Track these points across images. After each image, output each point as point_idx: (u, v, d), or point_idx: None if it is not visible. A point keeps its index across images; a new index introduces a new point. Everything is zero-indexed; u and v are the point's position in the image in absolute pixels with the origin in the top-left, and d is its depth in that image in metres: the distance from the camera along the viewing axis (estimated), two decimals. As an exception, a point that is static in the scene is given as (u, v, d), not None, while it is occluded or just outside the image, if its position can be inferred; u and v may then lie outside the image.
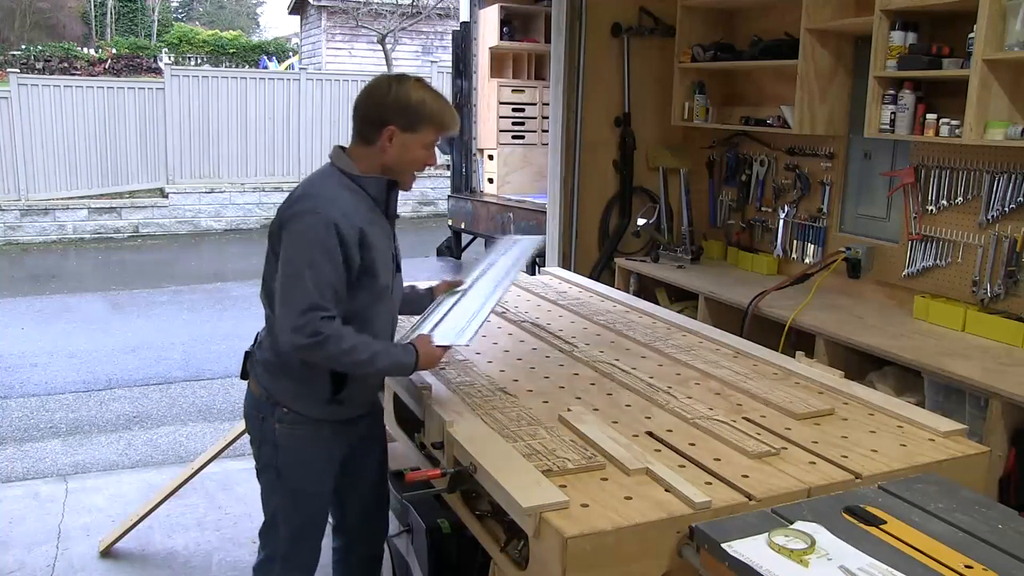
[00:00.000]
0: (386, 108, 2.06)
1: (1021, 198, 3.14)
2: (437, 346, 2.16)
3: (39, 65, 18.23)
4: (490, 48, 7.96)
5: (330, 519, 2.43)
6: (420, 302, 2.49)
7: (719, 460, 1.90)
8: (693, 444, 2.00)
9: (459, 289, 2.48)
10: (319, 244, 1.98)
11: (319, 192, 2.07)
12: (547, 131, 6.38)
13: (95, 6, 24.04)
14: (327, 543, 2.47)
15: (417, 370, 2.14)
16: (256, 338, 2.25)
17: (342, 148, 2.16)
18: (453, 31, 8.98)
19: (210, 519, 3.64)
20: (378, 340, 2.10)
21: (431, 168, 2.28)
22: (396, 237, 2.23)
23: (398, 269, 2.24)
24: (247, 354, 2.24)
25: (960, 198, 3.37)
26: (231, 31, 23.53)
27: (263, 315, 2.20)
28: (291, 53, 22.60)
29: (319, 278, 1.98)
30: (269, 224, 2.16)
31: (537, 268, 5.68)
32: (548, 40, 5.67)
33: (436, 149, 2.21)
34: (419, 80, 2.12)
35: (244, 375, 2.24)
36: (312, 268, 1.98)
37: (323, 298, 1.98)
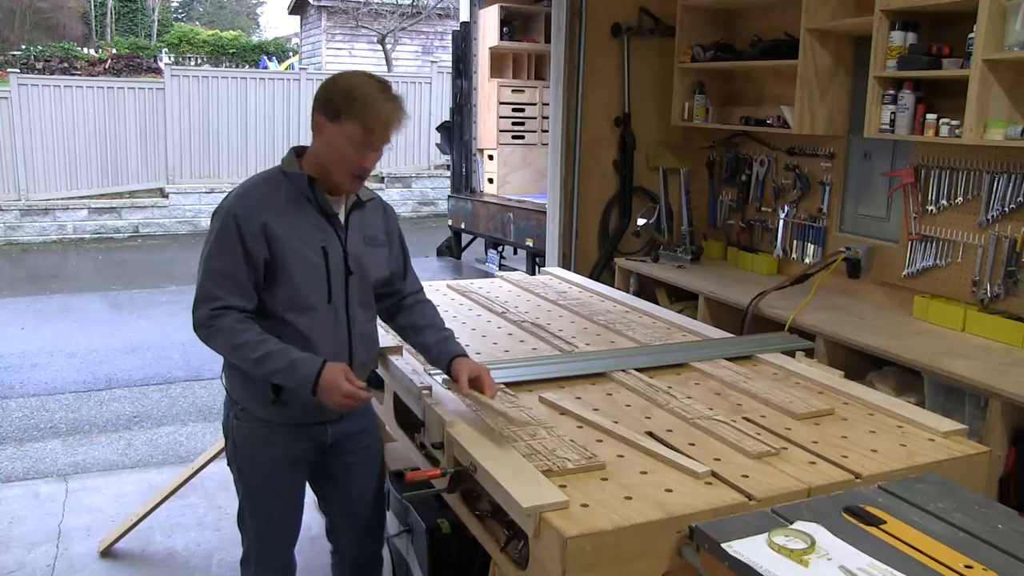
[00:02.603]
0: (320, 96, 2.00)
1: (1021, 198, 3.14)
2: (352, 385, 1.98)
3: (39, 65, 18.22)
4: (490, 48, 7.97)
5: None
6: (436, 359, 2.25)
7: (719, 460, 1.90)
8: (693, 444, 2.00)
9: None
10: (217, 236, 2.00)
11: (239, 187, 2.08)
12: (547, 131, 6.39)
13: (95, 6, 24.03)
14: (326, 545, 2.47)
15: (318, 394, 1.97)
16: None
17: (298, 150, 2.12)
18: (453, 31, 8.98)
19: (210, 519, 3.64)
20: (282, 344, 1.98)
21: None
22: (346, 237, 2.10)
23: (350, 272, 2.11)
24: None
25: (960, 198, 3.37)
26: (231, 31, 23.51)
27: None
28: (291, 53, 22.59)
29: (215, 269, 1.99)
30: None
31: (537, 268, 5.69)
32: (548, 40, 5.67)
33: (378, 151, 2.02)
34: (367, 75, 2.01)
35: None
36: (209, 259, 2.00)
37: (219, 288, 1.98)
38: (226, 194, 2.09)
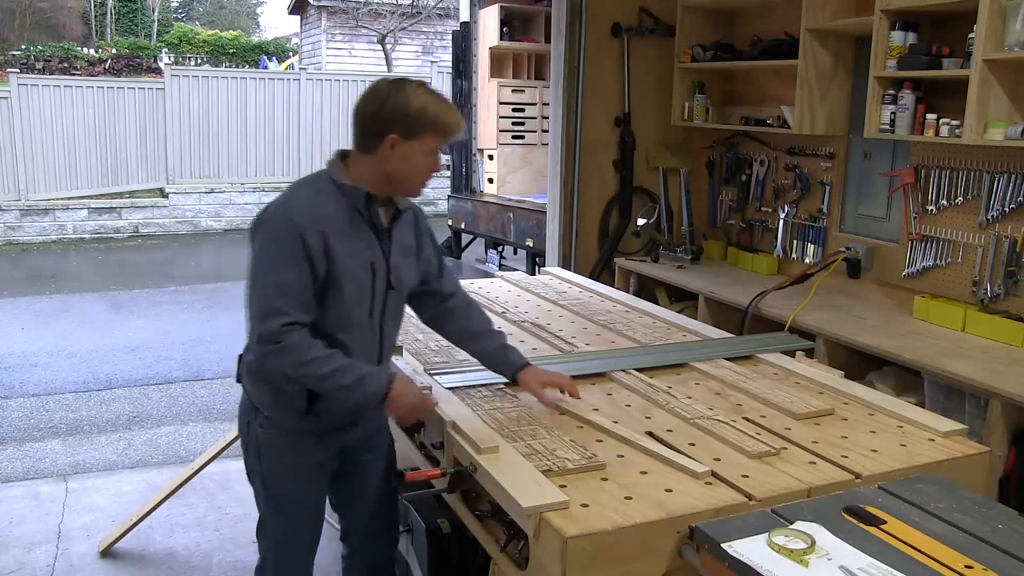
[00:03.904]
0: (385, 116, 1.96)
1: (1021, 198, 3.14)
2: (422, 397, 2.05)
3: (39, 65, 18.21)
4: (490, 48, 7.96)
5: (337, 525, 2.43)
6: (499, 369, 2.30)
7: (719, 460, 1.90)
8: (693, 444, 2.00)
9: None
10: (281, 248, 1.92)
11: (292, 195, 2.01)
12: (547, 131, 6.39)
13: (95, 6, 24.03)
14: (338, 550, 2.47)
15: (387, 408, 2.02)
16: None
17: (343, 154, 2.07)
18: (453, 31, 8.98)
19: (210, 519, 3.64)
20: (347, 358, 1.98)
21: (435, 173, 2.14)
22: (389, 251, 2.09)
23: (390, 287, 2.10)
24: (240, 356, 2.20)
25: (960, 198, 3.37)
26: (231, 31, 23.50)
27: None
28: (291, 53, 22.59)
29: (280, 282, 1.92)
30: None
31: (537, 268, 5.69)
32: (548, 40, 5.67)
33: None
34: (420, 84, 2.02)
35: (239, 378, 2.20)
36: (273, 272, 1.93)
37: (286, 303, 1.92)
38: (272, 204, 2.01)
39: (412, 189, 2.07)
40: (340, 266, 1.97)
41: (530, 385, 2.20)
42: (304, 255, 1.92)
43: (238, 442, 3.57)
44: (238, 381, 2.21)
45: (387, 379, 2.00)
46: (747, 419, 2.16)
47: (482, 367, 2.46)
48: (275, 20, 38.97)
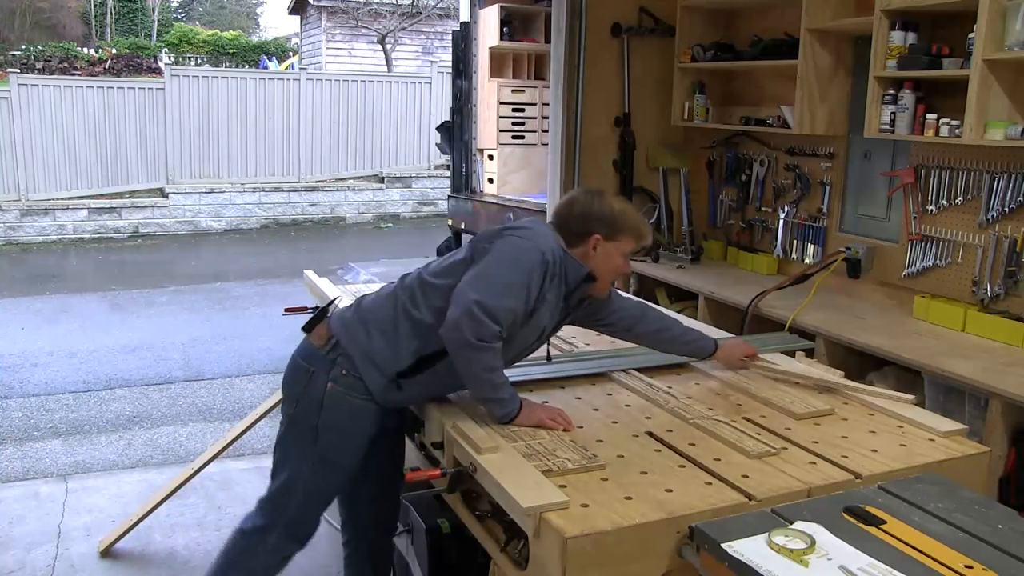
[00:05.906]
0: (591, 218, 2.18)
1: (1021, 198, 3.14)
2: (546, 411, 2.14)
3: (39, 65, 18.21)
4: (490, 48, 7.96)
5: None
6: (695, 355, 2.58)
7: (719, 460, 1.90)
8: (693, 444, 2.00)
9: None
10: (531, 277, 2.06)
11: (541, 234, 2.16)
12: (547, 131, 6.39)
13: (95, 6, 24.03)
14: (338, 551, 2.47)
15: (518, 421, 2.11)
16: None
17: (576, 233, 2.21)
18: (453, 31, 8.97)
19: (210, 519, 3.64)
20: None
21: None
22: (557, 326, 2.27)
23: (539, 340, 2.25)
24: (323, 310, 2.26)
25: (960, 198, 3.37)
26: (231, 31, 23.50)
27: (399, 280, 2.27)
28: (291, 53, 22.59)
29: (518, 297, 2.04)
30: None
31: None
32: (548, 40, 5.67)
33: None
34: (614, 195, 2.33)
35: (307, 328, 2.25)
36: (516, 285, 2.05)
37: (510, 314, 2.04)
38: (524, 227, 2.17)
39: (603, 288, 2.28)
40: (534, 317, 2.11)
41: (728, 362, 2.57)
42: (537, 289, 2.08)
43: (238, 442, 3.61)
44: (305, 330, 2.24)
45: (518, 407, 2.10)
46: (747, 419, 2.16)
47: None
48: (275, 20, 38.99)
